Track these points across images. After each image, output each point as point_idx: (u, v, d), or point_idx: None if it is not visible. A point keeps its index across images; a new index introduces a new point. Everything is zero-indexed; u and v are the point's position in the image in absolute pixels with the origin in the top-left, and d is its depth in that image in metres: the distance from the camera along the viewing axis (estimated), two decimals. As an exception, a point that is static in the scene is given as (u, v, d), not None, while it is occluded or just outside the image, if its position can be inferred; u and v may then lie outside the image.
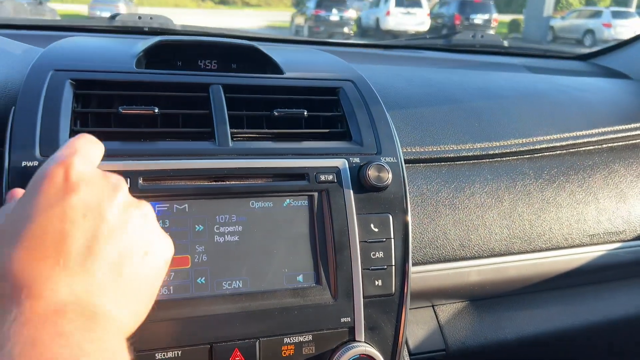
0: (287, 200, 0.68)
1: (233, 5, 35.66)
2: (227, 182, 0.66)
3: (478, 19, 17.33)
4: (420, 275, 0.76)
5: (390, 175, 0.69)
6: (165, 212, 0.63)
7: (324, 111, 0.78)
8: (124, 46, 0.81)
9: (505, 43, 1.45)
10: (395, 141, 0.74)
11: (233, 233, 0.65)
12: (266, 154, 0.69)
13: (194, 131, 0.70)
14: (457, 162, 0.83)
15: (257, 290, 0.64)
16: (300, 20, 18.59)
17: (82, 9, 19.94)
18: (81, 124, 0.68)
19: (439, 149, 0.82)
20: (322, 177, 0.69)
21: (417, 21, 17.84)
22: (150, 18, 1.30)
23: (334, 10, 17.55)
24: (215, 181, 0.66)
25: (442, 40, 1.46)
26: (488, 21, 17.43)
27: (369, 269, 0.67)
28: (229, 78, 0.76)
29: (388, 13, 17.81)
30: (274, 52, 0.85)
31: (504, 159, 0.86)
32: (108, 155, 0.63)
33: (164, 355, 0.60)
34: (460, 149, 0.83)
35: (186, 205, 0.64)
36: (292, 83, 0.79)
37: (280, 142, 0.73)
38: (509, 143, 0.86)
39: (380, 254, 0.68)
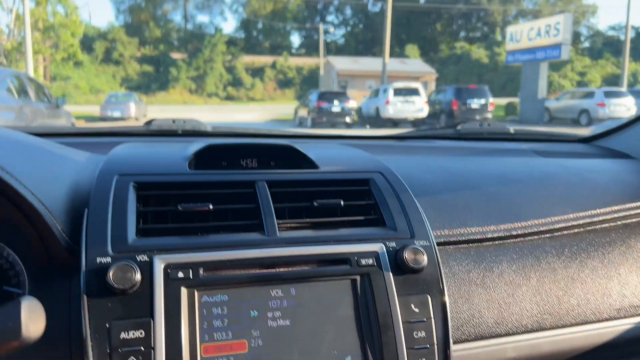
0: (332, 284, 0.73)
1: (238, 100, 37.29)
2: (277, 270, 0.72)
3: (475, 103, 17.98)
4: (458, 353, 0.79)
5: (425, 258, 0.75)
6: (224, 300, 0.69)
7: (357, 200, 0.85)
8: (175, 150, 0.91)
9: (511, 130, 1.55)
10: (426, 225, 0.81)
11: (284, 317, 0.70)
12: (310, 241, 0.76)
13: (244, 224, 0.77)
14: (483, 244, 0.89)
15: (311, 373, 0.68)
16: (303, 112, 19.37)
17: (95, 110, 20.89)
18: (143, 221, 0.75)
19: (465, 231, 0.88)
20: (363, 262, 0.74)
21: (415, 108, 18.55)
22: (184, 122, 1.42)
23: (335, 102, 18.31)
24: (266, 269, 0.72)
25: (452, 130, 1.57)
26: (485, 105, 18.08)
27: (413, 349, 0.71)
28: (271, 175, 0.85)
29: (387, 102, 18.57)
30: (306, 148, 0.94)
31: (527, 238, 0.92)
32: (170, 250, 0.70)
33: None
34: (485, 230, 0.89)
35: (241, 292, 0.70)
36: (327, 177, 0.87)
37: (320, 230, 0.79)
38: (530, 224, 0.92)
39: (422, 334, 0.72)
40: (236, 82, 39.28)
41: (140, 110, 20.54)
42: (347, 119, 17.93)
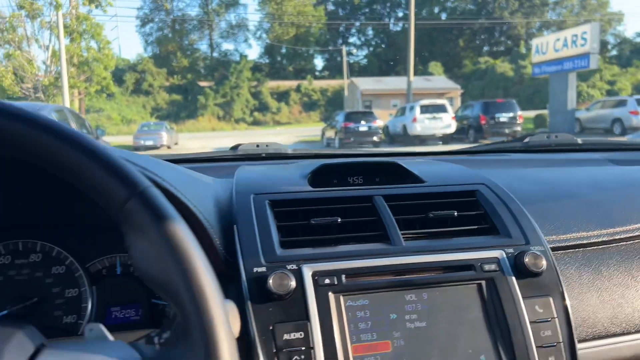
0: (459, 289, 0.79)
1: (265, 125, 37.81)
2: (409, 276, 0.78)
3: (503, 117, 17.85)
4: (580, 352, 0.83)
5: (544, 262, 0.80)
6: (365, 304, 0.75)
7: (467, 211, 0.91)
8: (290, 171, 0.99)
9: (579, 140, 1.59)
10: (538, 232, 0.86)
11: (421, 319, 0.76)
12: (435, 250, 0.82)
13: (370, 235, 0.84)
14: (589, 248, 0.94)
15: (451, 370, 0.73)
16: (330, 133, 19.52)
17: (127, 140, 21.48)
18: (281, 235, 0.82)
19: (571, 237, 0.93)
20: (486, 267, 0.80)
21: (443, 125, 18.51)
22: (266, 145, 1.51)
23: (362, 122, 18.41)
24: (398, 276, 0.78)
25: (519, 143, 1.62)
26: (513, 118, 17.93)
27: (542, 347, 0.76)
28: (385, 190, 0.91)
29: (414, 120, 18.59)
30: (408, 165, 1.00)
31: (629, 242, 0.96)
32: (313, 259, 0.77)
33: None
34: (590, 235, 0.94)
35: (380, 297, 0.76)
36: (436, 190, 0.93)
37: (440, 239, 0.85)
38: (631, 228, 0.96)
39: (549, 332, 0.77)
40: (262, 107, 39.91)
41: (172, 139, 21.03)
42: (375, 138, 18.00)
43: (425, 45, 42.61)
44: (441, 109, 18.97)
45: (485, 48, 46.98)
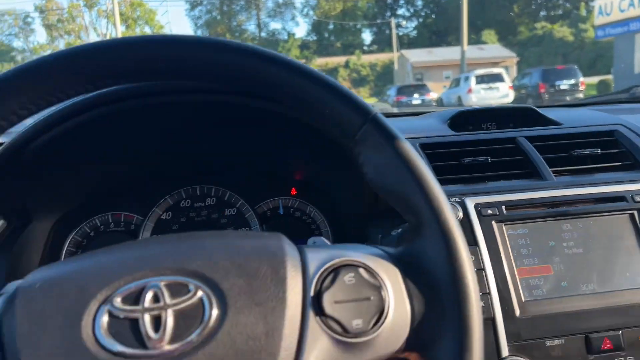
0: (612, 219, 0.84)
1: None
2: (563, 208, 0.84)
3: (564, 84, 17.13)
4: None
5: None
6: (525, 232, 0.81)
7: (608, 149, 0.95)
8: (429, 120, 1.05)
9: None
10: None
11: (577, 246, 0.82)
12: (585, 184, 0.87)
13: (520, 172, 0.90)
14: None
15: (610, 290, 0.79)
16: (382, 108, 19.35)
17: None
18: (437, 174, 0.89)
19: None
20: (638, 198, 0.84)
21: (499, 95, 17.98)
22: (373, 106, 1.57)
23: (415, 95, 18.16)
24: (553, 207, 0.84)
25: (626, 94, 1.61)
26: (575, 85, 17.18)
27: None
28: (526, 132, 0.96)
29: (470, 90, 18.15)
30: (543, 111, 1.05)
31: None
32: (474, 194, 0.83)
33: (551, 342, 0.75)
34: None
35: (537, 226, 0.82)
36: (575, 130, 0.98)
37: (586, 175, 0.90)
38: None
39: None
40: (311, 84, 39.89)
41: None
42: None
43: (477, 14, 41.18)
44: (497, 78, 18.43)
45: (542, 13, 44.86)
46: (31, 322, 0.44)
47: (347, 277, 0.49)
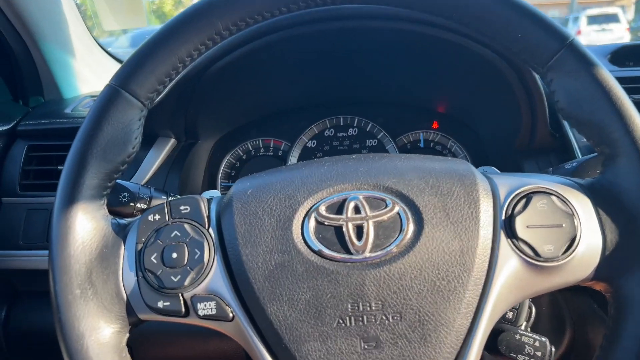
0: None
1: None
2: None
3: (692, 27, 15.24)
4: None
5: None
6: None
7: None
8: None
9: None
10: None
11: None
12: None
13: None
14: None
15: None
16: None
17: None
18: None
19: None
20: None
21: (614, 37, 16.33)
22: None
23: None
24: None
25: None
26: None
27: None
28: None
29: (579, 32, 16.63)
30: None
31: None
32: None
33: None
34: None
35: None
36: None
37: None
38: None
39: None
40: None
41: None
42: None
43: (595, -55, 36.91)
44: (612, 19, 16.67)
45: (674, -57, 39.29)
46: (247, 222, 0.49)
47: (540, 204, 0.50)
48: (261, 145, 1.04)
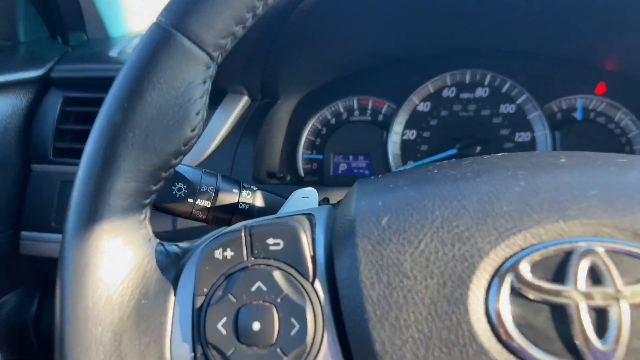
0: None
1: None
2: None
3: None
4: None
5: None
6: None
7: None
8: None
9: None
10: None
11: None
12: None
13: None
14: None
15: None
16: None
17: None
18: None
19: None
20: None
21: None
22: None
23: None
24: None
25: None
26: None
27: None
28: None
29: None
30: None
31: None
32: None
33: None
34: None
35: None
36: None
37: None
38: None
39: None
40: None
41: None
42: None
43: None
44: None
45: None
46: (384, 282, 0.27)
47: None
48: (356, 107, 0.79)
